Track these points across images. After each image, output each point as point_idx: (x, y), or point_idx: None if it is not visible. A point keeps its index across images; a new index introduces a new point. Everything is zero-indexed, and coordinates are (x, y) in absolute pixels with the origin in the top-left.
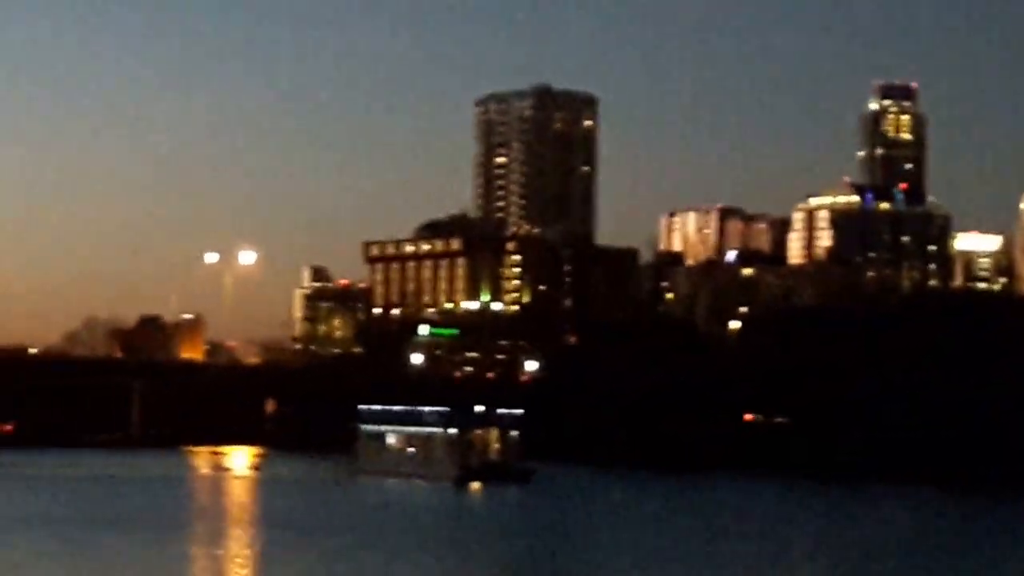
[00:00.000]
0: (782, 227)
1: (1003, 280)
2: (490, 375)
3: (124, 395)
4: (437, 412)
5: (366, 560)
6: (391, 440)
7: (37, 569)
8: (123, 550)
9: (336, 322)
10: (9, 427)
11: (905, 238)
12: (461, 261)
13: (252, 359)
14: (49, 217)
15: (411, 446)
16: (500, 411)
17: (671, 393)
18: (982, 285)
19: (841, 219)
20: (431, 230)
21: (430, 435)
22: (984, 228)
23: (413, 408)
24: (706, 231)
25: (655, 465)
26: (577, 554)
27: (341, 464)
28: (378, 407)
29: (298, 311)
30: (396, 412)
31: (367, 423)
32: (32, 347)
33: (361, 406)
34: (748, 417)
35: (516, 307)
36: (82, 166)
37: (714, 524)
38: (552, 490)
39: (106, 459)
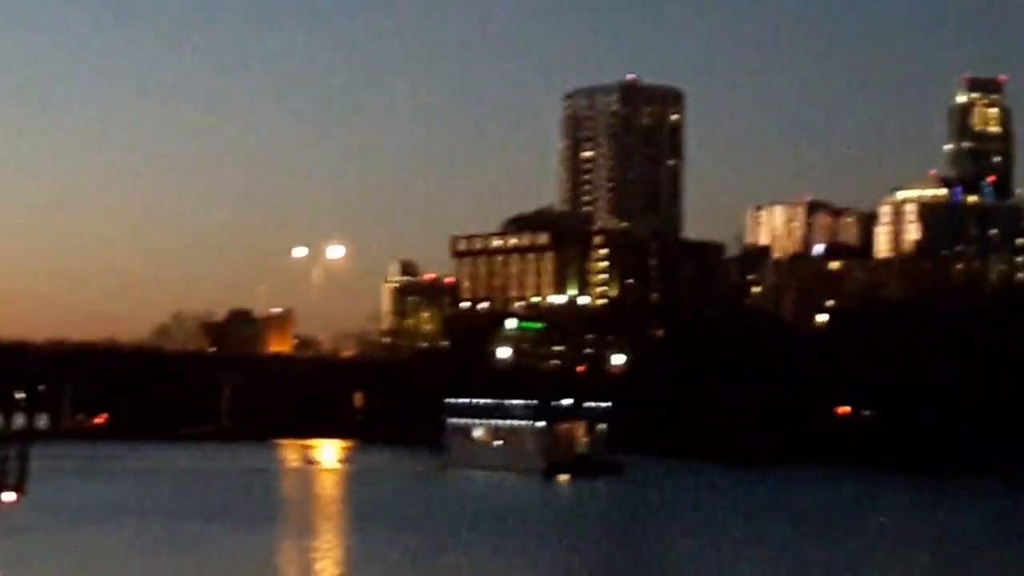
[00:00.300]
0: (869, 220)
1: None
2: (577, 368)
3: (214, 388)
4: (525, 405)
5: (456, 552)
6: (478, 433)
7: (132, 558)
8: (214, 541)
9: (423, 316)
10: (101, 420)
11: (993, 231)
12: (548, 255)
13: (340, 353)
14: (140, 212)
15: (499, 439)
16: (587, 404)
17: (757, 386)
18: None
19: (928, 212)
20: (518, 224)
21: (518, 428)
22: None
23: (500, 401)
24: (793, 224)
25: (742, 458)
26: (664, 546)
27: (429, 457)
28: (465, 400)
29: (386, 305)
30: (483, 405)
31: (454, 416)
32: (124, 341)
33: (448, 399)
34: (840, 411)
35: (603, 301)
36: (175, 163)
37: (801, 517)
38: (639, 483)
39: (196, 452)
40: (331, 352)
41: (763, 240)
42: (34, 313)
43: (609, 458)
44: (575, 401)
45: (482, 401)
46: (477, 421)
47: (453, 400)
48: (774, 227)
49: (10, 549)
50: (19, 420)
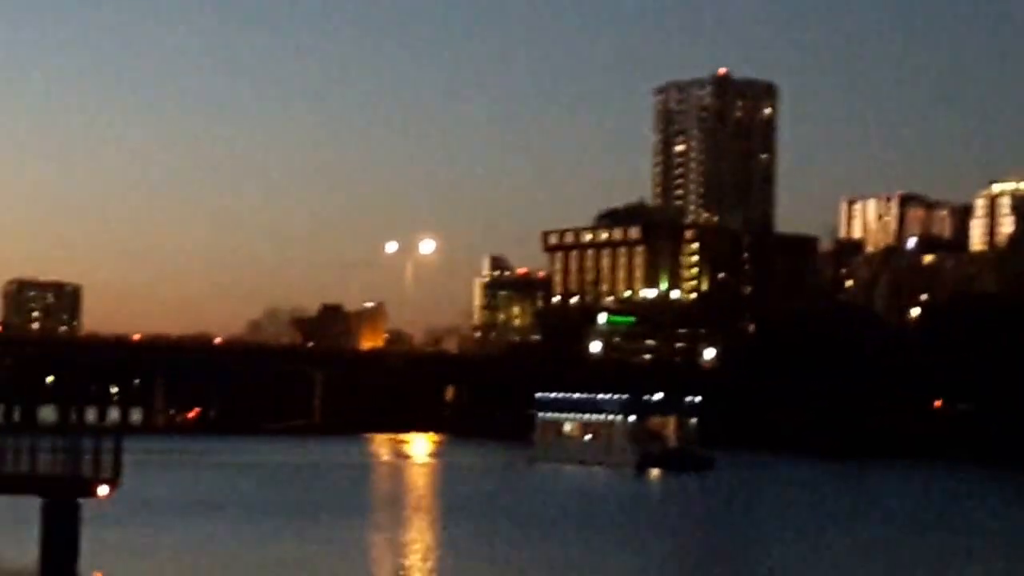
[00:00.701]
0: (963, 213)
1: None
2: (669, 362)
3: (306, 383)
4: (616, 399)
5: (549, 545)
6: (568, 427)
7: (224, 550)
8: (306, 533)
9: (515, 310)
10: (193, 414)
11: None
12: (640, 249)
13: (432, 347)
14: (232, 208)
15: (589, 433)
16: (679, 398)
17: (850, 380)
18: None
19: None
20: (610, 219)
21: (609, 422)
22: None
23: (591, 396)
24: (886, 218)
25: (834, 453)
26: (758, 540)
27: (518, 451)
28: (554, 394)
29: (477, 299)
30: (574, 399)
31: (544, 410)
32: (216, 336)
33: (538, 394)
34: (935, 405)
35: (694, 295)
36: (266, 157)
37: (896, 512)
38: (732, 477)
39: (289, 446)
40: (422, 347)
41: (856, 234)
42: (129, 309)
43: (700, 452)
44: (666, 395)
45: (572, 395)
46: (567, 415)
47: (542, 394)
48: (867, 220)
49: (103, 542)
50: (113, 414)
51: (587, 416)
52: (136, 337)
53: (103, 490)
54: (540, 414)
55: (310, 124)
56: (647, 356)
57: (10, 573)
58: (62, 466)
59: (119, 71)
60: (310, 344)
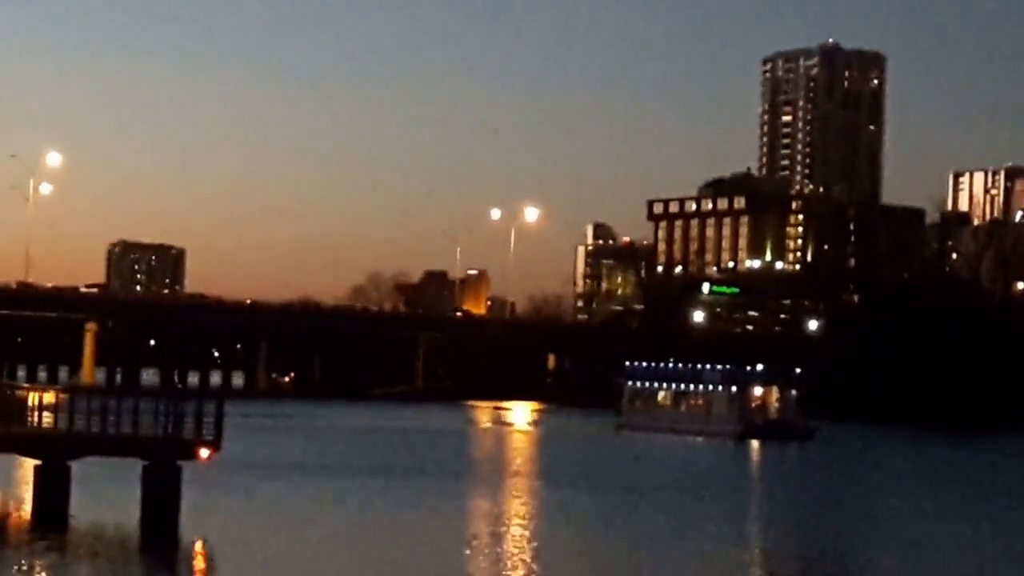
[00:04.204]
0: None
1: None
2: (772, 333)
3: (408, 349)
4: (717, 369)
5: (648, 513)
6: (662, 396)
7: (324, 512)
8: (406, 496)
9: (618, 279)
10: (289, 379)
11: None
12: (744, 219)
13: (534, 315)
14: (339, 174)
15: (687, 402)
16: (780, 369)
17: (955, 352)
18: None
19: None
20: (715, 188)
21: (709, 392)
22: None
23: (688, 364)
24: (993, 191)
25: (938, 424)
26: (859, 510)
27: (611, 420)
28: (646, 363)
29: (580, 268)
30: (668, 368)
31: (634, 379)
32: (319, 300)
33: (628, 363)
34: None
35: (799, 266)
36: (371, 126)
37: (1001, 485)
38: (833, 448)
39: (390, 411)
40: (525, 314)
41: (962, 206)
42: (232, 272)
43: (801, 423)
44: (768, 366)
45: (668, 364)
46: (662, 384)
47: (632, 363)
48: (974, 193)
49: (204, 505)
50: (215, 378)
51: (683, 385)
52: (239, 301)
53: (204, 453)
54: (628, 383)
55: (417, 92)
56: (750, 327)
57: (111, 535)
58: (164, 429)
59: (226, 39)
60: (412, 310)
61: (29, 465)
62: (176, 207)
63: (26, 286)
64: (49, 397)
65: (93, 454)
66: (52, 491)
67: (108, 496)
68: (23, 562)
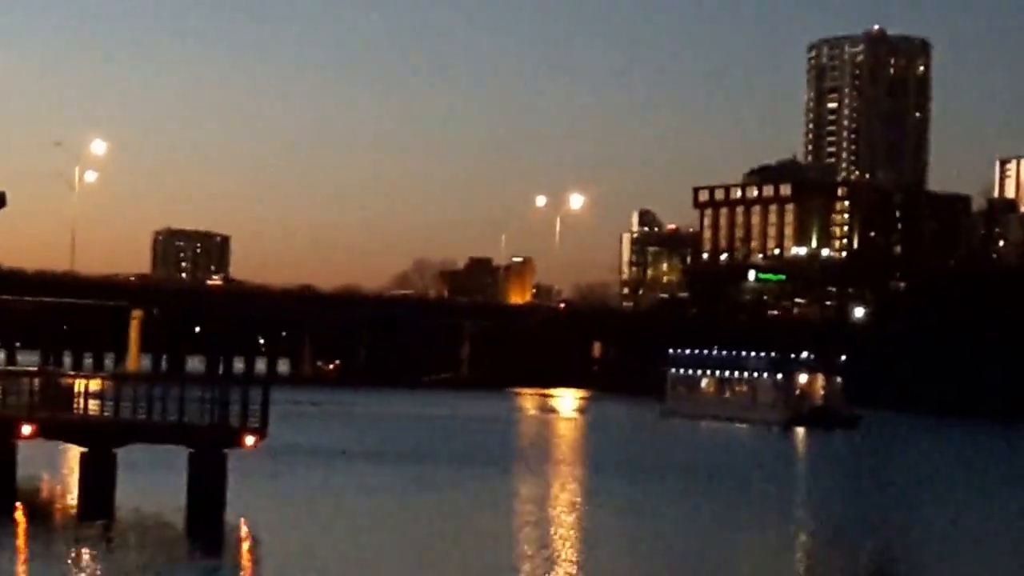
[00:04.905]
0: None
1: None
2: (818, 321)
3: (454, 336)
4: (762, 357)
5: (693, 500)
6: (705, 383)
7: (371, 498)
8: (451, 482)
9: (663, 266)
10: (334, 366)
11: None
12: (790, 207)
13: (580, 302)
14: (384, 161)
15: (732, 390)
16: (826, 357)
17: (1001, 340)
18: None
19: None
20: (760, 175)
21: (754, 379)
22: None
23: (731, 352)
24: None
25: (984, 413)
26: (903, 498)
27: (655, 407)
28: (691, 351)
29: (626, 255)
30: (713, 356)
31: (678, 367)
32: (363, 288)
33: (671, 350)
34: None
35: (845, 253)
36: (417, 112)
37: None
38: (878, 435)
39: (435, 399)
40: (571, 302)
41: (1009, 193)
42: (277, 259)
43: (846, 410)
44: (813, 353)
45: (713, 352)
46: (703, 371)
47: (677, 350)
48: (1021, 180)
49: (250, 492)
50: (260, 365)
51: (727, 372)
52: (284, 288)
53: (250, 441)
54: (672, 370)
55: (463, 79)
56: (796, 313)
57: (157, 522)
58: (209, 416)
59: (270, 25)
60: (457, 298)
61: (75, 453)
62: (221, 194)
63: (72, 274)
64: (95, 385)
65: (139, 441)
66: (98, 479)
67: (154, 484)
68: (70, 550)
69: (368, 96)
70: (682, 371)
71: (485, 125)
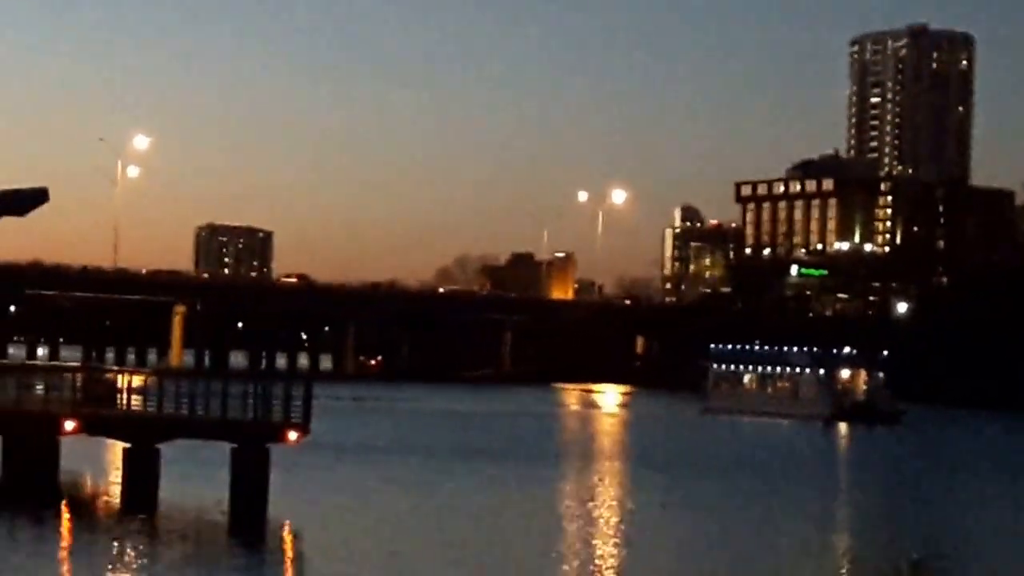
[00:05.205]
0: None
1: None
2: (861, 316)
3: (495, 331)
4: (804, 352)
5: (736, 495)
6: (747, 379)
7: (414, 494)
8: (495, 477)
9: (706, 261)
10: (376, 362)
11: None
12: (833, 201)
13: (622, 298)
14: (425, 156)
15: (773, 385)
16: (868, 352)
17: None
18: None
19: None
20: (803, 170)
21: (796, 375)
22: None
23: (773, 348)
24: None
25: None
26: (946, 493)
27: (696, 403)
28: (732, 346)
29: (668, 250)
30: (754, 351)
31: (719, 362)
32: (406, 283)
33: (712, 345)
34: None
35: (887, 248)
36: (458, 108)
37: None
38: (921, 430)
39: (477, 394)
40: (612, 297)
41: None
42: (319, 255)
43: (888, 405)
44: (856, 348)
45: (755, 347)
46: (748, 367)
47: (718, 346)
48: None
49: (293, 487)
50: (303, 361)
51: (769, 368)
52: (327, 284)
53: (293, 436)
54: (714, 365)
55: (505, 73)
56: (838, 308)
57: (200, 517)
58: (252, 412)
59: (313, 22)
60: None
61: (119, 448)
62: (264, 190)
63: (114, 269)
64: (138, 380)
65: (182, 437)
66: (141, 474)
67: (197, 479)
68: (114, 544)
69: (410, 91)
70: (723, 367)
71: (527, 120)
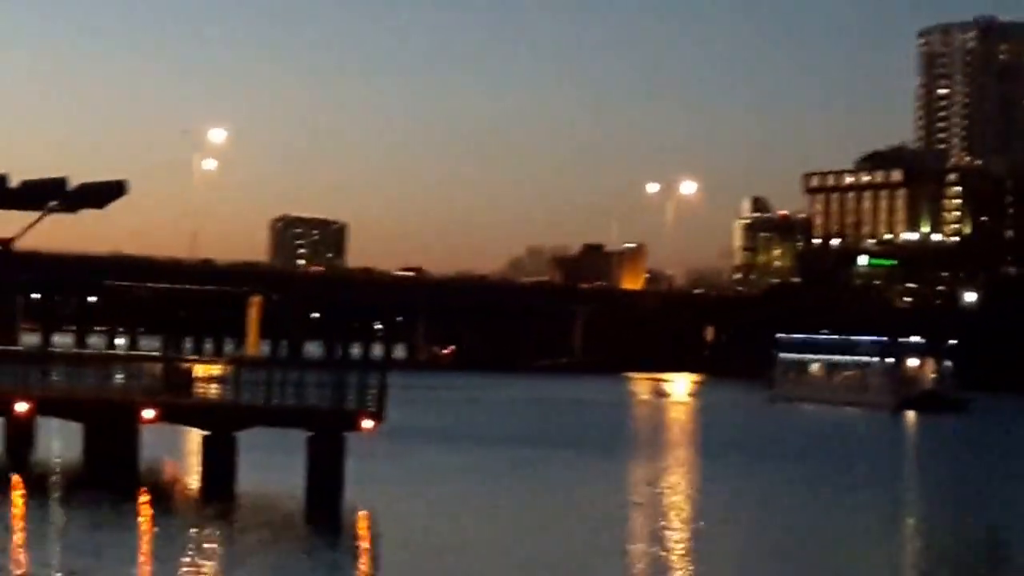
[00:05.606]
0: None
1: None
2: (929, 305)
3: (567, 321)
4: (873, 341)
5: (804, 483)
6: (814, 368)
7: (488, 482)
8: (567, 470)
9: (775, 252)
10: (449, 351)
11: None
12: (901, 192)
13: (692, 288)
14: (496, 148)
15: (839, 374)
16: (936, 342)
17: None
18: None
19: None
20: (871, 161)
21: (864, 364)
22: None
23: (842, 337)
24: None
25: None
26: (1014, 482)
27: (764, 391)
28: (800, 335)
29: (737, 241)
30: (823, 340)
31: (787, 351)
32: (478, 273)
33: (780, 334)
34: None
35: (956, 238)
36: (530, 99)
37: None
38: (988, 420)
39: (549, 383)
40: (682, 287)
41: None
42: (393, 246)
43: (956, 395)
44: (925, 338)
45: (823, 336)
46: (812, 356)
47: (785, 335)
48: None
49: (369, 475)
50: (377, 350)
51: (837, 357)
52: (400, 274)
53: (368, 424)
54: (782, 354)
55: (575, 65)
56: (907, 299)
57: (277, 504)
58: (328, 400)
59: (381, 15)
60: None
61: (197, 436)
62: (338, 181)
63: (192, 260)
64: (216, 369)
65: (259, 425)
66: (219, 461)
67: (274, 466)
68: (192, 530)
69: (481, 85)
70: (791, 355)
71: (597, 112)
